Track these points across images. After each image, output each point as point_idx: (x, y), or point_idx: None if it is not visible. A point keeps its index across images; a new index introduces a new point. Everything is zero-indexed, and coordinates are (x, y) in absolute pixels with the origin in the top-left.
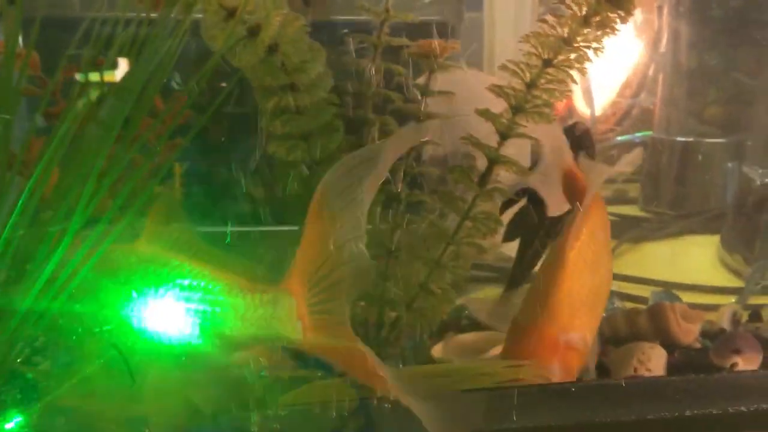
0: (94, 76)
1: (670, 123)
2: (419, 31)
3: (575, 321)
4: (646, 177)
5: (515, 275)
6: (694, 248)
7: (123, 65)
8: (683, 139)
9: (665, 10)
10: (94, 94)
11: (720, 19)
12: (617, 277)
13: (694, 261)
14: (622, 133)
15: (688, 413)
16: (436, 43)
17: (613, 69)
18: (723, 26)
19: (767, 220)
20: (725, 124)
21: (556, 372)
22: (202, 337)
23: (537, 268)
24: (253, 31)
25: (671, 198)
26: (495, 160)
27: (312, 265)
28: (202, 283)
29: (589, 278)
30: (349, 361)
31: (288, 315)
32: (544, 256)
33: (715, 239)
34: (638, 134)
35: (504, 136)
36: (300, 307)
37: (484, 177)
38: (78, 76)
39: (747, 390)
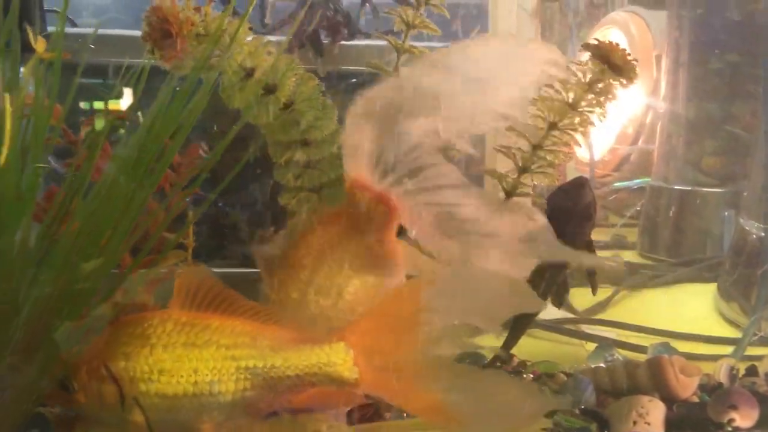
0: (98, 105)
1: (668, 171)
2: None
3: None
4: (644, 223)
5: None
6: (691, 297)
7: (128, 95)
8: (681, 187)
9: (663, 61)
10: (100, 124)
11: (718, 72)
12: (616, 325)
13: (691, 310)
14: (620, 179)
15: None
16: None
17: (612, 116)
18: (720, 79)
19: (764, 272)
20: (722, 175)
21: None
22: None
23: None
24: (270, 90)
25: (669, 245)
26: None
27: (376, 326)
28: (247, 340)
29: None
30: (404, 400)
31: (344, 362)
32: None
33: (712, 288)
34: (636, 180)
35: (509, 195)
36: (357, 355)
37: None
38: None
39: None
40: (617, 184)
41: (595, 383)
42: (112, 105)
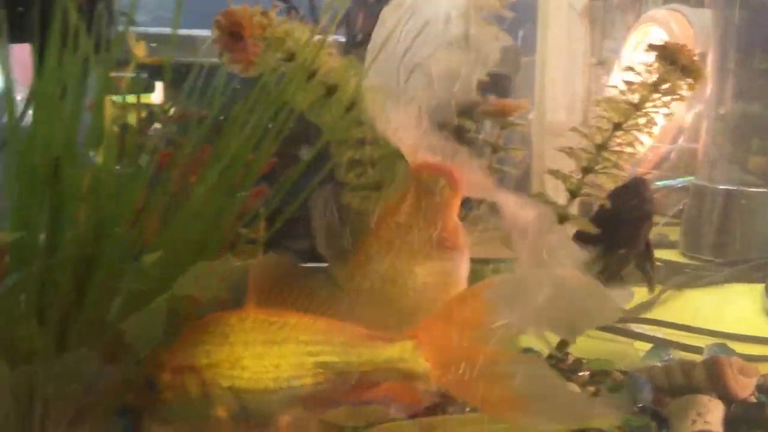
0: (131, 99)
1: (712, 170)
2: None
3: None
4: (687, 223)
5: None
6: (738, 297)
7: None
8: (726, 187)
9: (708, 59)
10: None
11: (765, 72)
12: (665, 324)
13: (738, 310)
14: (660, 177)
15: None
16: (509, 102)
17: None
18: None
19: None
20: None
21: None
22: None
23: None
24: (331, 91)
25: (713, 245)
26: None
27: (445, 324)
28: (324, 337)
29: None
30: (473, 396)
31: (414, 359)
32: None
33: (759, 288)
34: (680, 179)
35: (573, 195)
36: (426, 352)
37: None
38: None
39: None
40: (659, 183)
41: (651, 382)
42: (144, 99)
